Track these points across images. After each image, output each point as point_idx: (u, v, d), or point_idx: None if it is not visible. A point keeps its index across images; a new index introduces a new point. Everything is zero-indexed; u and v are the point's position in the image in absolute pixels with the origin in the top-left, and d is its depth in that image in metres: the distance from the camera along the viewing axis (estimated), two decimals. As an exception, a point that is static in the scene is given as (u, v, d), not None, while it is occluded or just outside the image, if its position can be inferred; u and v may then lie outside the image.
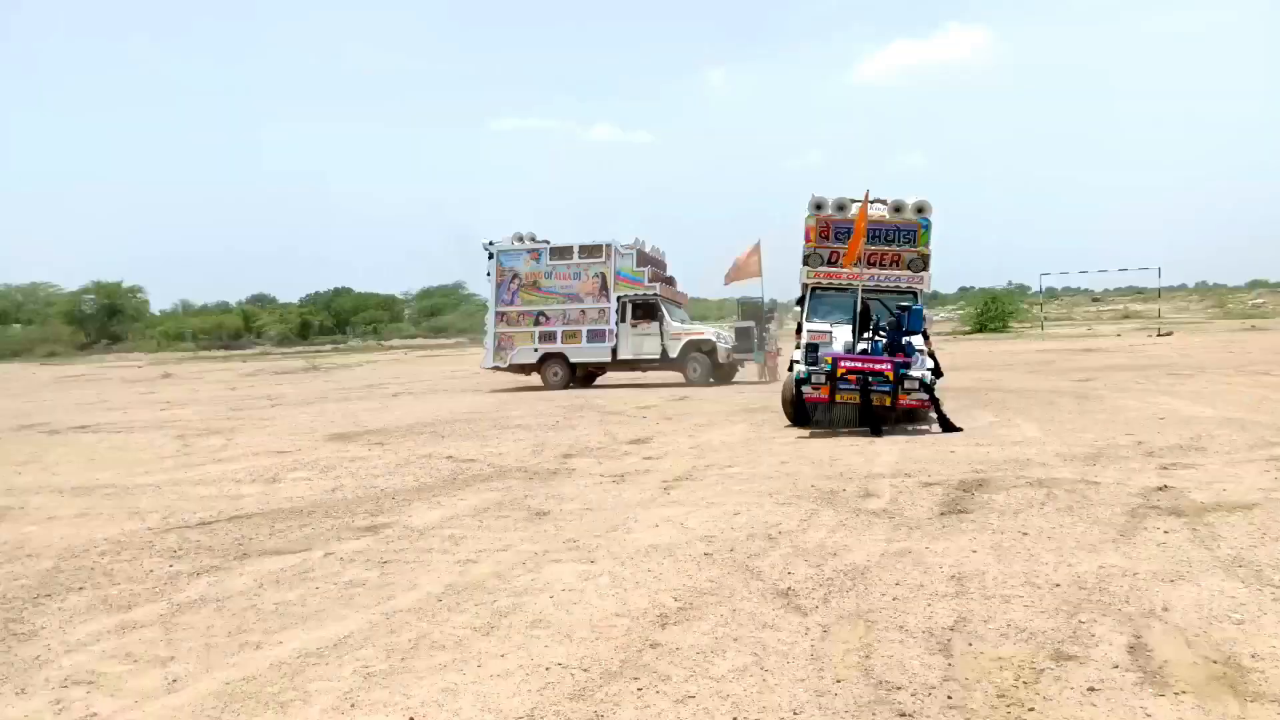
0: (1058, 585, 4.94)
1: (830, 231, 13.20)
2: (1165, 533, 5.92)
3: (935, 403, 11.25)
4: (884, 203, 13.17)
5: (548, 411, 15.75)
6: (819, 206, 13.17)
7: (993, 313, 42.36)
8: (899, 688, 3.73)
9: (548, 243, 22.25)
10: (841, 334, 12.36)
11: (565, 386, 21.38)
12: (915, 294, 12.96)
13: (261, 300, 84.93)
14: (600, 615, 4.84)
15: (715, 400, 17.49)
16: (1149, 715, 3.38)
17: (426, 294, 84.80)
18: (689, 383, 21.19)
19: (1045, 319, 45.90)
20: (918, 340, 11.91)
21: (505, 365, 22.14)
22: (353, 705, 3.83)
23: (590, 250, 21.73)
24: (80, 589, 5.78)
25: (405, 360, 39.72)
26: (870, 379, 10.97)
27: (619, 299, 21.32)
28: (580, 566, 5.80)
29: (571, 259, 21.72)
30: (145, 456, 11.92)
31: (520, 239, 22.28)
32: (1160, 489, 7.22)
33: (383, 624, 4.85)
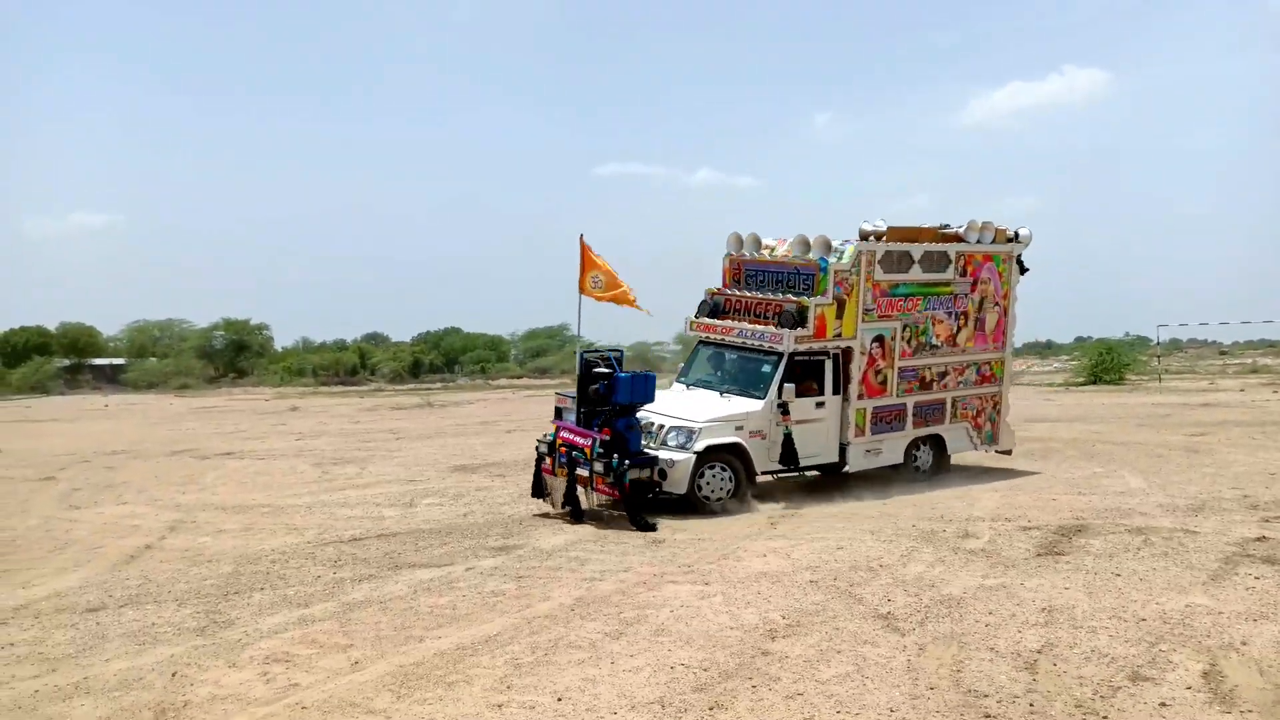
0: (1143, 620, 5.31)
1: (741, 275, 11.31)
2: (1256, 578, 6.18)
3: (626, 497, 8.87)
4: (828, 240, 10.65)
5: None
6: (740, 244, 11.40)
7: (1107, 364, 41.21)
8: (986, 695, 4.21)
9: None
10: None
11: None
12: (779, 357, 10.20)
13: (375, 338, 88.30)
14: (716, 627, 5.43)
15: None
16: (1214, 728, 3.79)
17: (532, 335, 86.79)
18: None
19: (1165, 371, 44.41)
20: (657, 411, 9.76)
21: None
22: (509, 687, 4.52)
23: None
24: (261, 589, 6.66)
25: (512, 399, 41.03)
26: (574, 454, 9.22)
27: None
28: (695, 587, 6.40)
29: None
30: (290, 480, 13.03)
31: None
32: (1258, 539, 7.42)
33: (525, 627, 5.54)
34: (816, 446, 10.51)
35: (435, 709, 4.28)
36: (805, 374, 10.36)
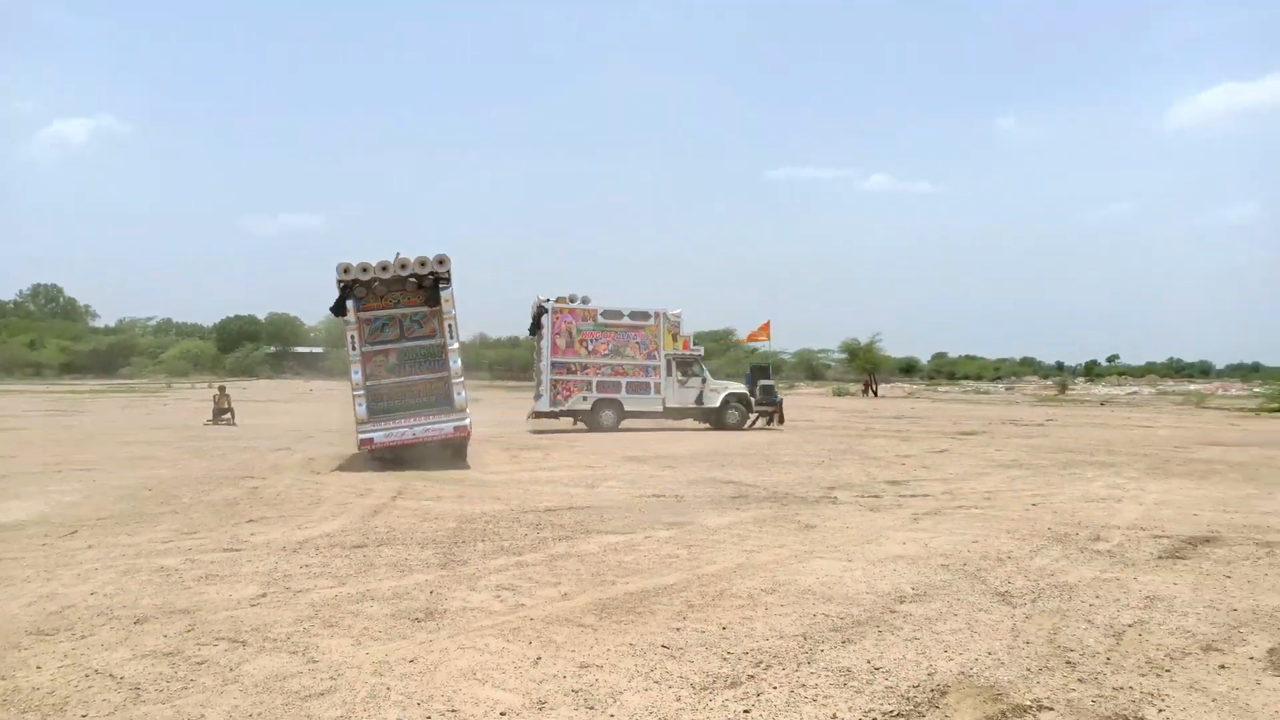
0: (1235, 610, 6.04)
1: None
2: (1364, 588, 6.70)
3: None
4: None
5: (814, 453, 17.39)
6: None
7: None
8: (1072, 650, 5.15)
9: None
10: None
11: None
12: None
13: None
14: (854, 592, 6.52)
15: (970, 454, 18.36)
16: (1258, 684, 4.62)
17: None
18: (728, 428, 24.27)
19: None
20: None
21: None
22: (684, 618, 5.78)
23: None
24: (482, 541, 8.22)
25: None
26: None
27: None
28: (839, 563, 7.48)
29: None
30: (487, 459, 14.84)
31: None
32: (1387, 558, 7.79)
33: (695, 581, 6.80)
34: None
35: (630, 627, 5.60)
36: None
